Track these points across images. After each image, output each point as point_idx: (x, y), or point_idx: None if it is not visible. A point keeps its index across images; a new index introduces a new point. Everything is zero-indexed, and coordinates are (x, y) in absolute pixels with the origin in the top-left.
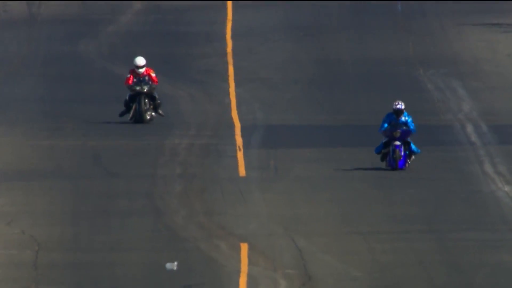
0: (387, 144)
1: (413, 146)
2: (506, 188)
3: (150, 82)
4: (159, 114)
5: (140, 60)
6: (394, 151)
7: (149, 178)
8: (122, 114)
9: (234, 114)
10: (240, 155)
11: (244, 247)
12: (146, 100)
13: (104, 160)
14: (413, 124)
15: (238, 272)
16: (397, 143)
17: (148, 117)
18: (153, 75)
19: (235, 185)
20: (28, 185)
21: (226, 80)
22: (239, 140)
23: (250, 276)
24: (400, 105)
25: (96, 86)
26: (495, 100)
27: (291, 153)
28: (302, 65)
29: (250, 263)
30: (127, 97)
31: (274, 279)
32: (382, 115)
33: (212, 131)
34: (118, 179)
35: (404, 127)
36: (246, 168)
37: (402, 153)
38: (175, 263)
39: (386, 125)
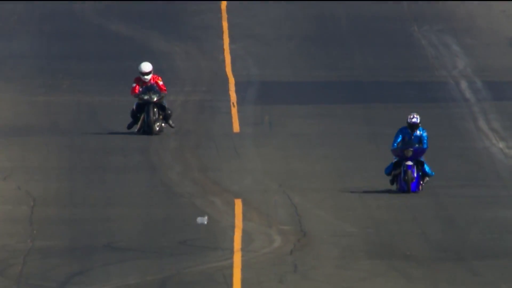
0: (397, 165)
1: (427, 168)
2: (500, 145)
3: (159, 91)
4: (169, 125)
5: (146, 66)
6: (405, 172)
7: (144, 135)
8: (130, 126)
9: (229, 70)
10: (234, 111)
11: (239, 203)
12: (155, 110)
13: (99, 117)
14: (427, 141)
15: (232, 227)
16: (409, 163)
17: (157, 128)
18: (160, 83)
19: (229, 141)
20: (24, 141)
21: (220, 36)
22: (233, 96)
23: (244, 232)
24: (416, 119)
25: (92, 42)
26: (489, 56)
27: (285, 109)
28: (296, 22)
29: (244, 218)
30: (134, 107)
31: (269, 234)
32: (377, 71)
33: (207, 87)
34: (114, 135)
35: (417, 145)
36: (241, 124)
37: (415, 175)
38: (206, 217)
39: (399, 139)
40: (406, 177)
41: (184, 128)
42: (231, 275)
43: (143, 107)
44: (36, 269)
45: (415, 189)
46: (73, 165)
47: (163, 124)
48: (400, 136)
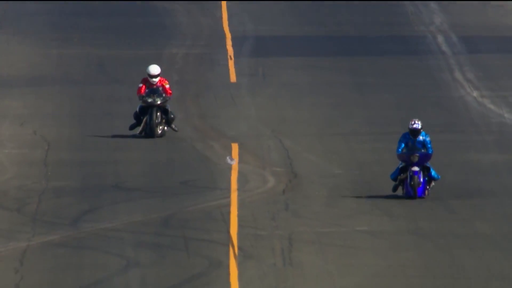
0: (403, 170)
1: (433, 172)
2: (474, 94)
3: (163, 94)
4: (172, 128)
5: (154, 69)
6: (412, 177)
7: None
8: (132, 128)
9: (226, 26)
10: (231, 63)
11: (235, 147)
12: (158, 114)
13: (108, 68)
14: (431, 145)
15: (229, 169)
16: (416, 168)
17: (159, 131)
18: (167, 86)
19: (226, 90)
20: (39, 90)
21: None
22: (230, 49)
23: (240, 173)
24: (417, 124)
25: (101, 1)
26: (464, 13)
27: (278, 62)
28: None
29: (240, 161)
30: (137, 109)
31: (263, 176)
32: (362, 27)
33: (206, 41)
34: (121, 85)
35: (423, 150)
36: (237, 75)
37: (421, 180)
38: (234, 160)
39: (403, 145)
40: (413, 183)
41: (185, 79)
42: (228, 213)
43: (146, 110)
44: (50, 207)
45: (421, 194)
46: (84, 112)
47: (165, 128)
48: (403, 142)
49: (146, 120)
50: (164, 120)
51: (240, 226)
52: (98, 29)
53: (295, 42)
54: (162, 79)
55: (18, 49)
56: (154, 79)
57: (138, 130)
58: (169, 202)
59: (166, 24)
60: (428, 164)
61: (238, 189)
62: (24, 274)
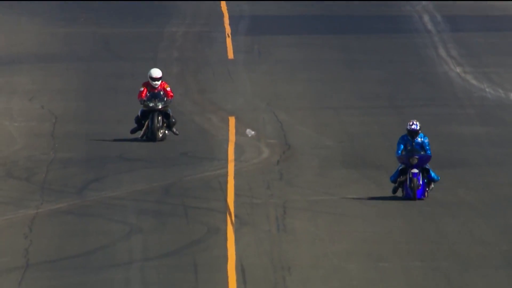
0: (403, 172)
1: (432, 174)
2: (458, 69)
3: (165, 98)
4: (173, 132)
5: (156, 72)
6: (411, 180)
7: (151, 61)
8: (133, 131)
9: (223, 5)
10: (228, 41)
11: (232, 120)
12: (160, 118)
13: (112, 45)
14: (429, 147)
15: (227, 141)
16: (415, 171)
17: (160, 135)
18: (168, 89)
19: (224, 66)
20: (47, 66)
21: None
22: (228, 28)
23: (237, 145)
24: (415, 125)
25: None
26: None
27: (272, 39)
28: None
29: (237, 133)
30: (139, 113)
31: (258, 147)
32: (351, 7)
33: (205, 20)
34: (124, 61)
35: (422, 152)
36: (234, 52)
37: (420, 182)
38: (254, 132)
39: (402, 147)
40: (412, 185)
41: (185, 56)
42: (225, 182)
43: (147, 114)
44: (57, 176)
45: (421, 196)
46: (89, 87)
47: (166, 132)
48: (402, 144)
49: (148, 124)
50: (165, 124)
51: (236, 194)
52: (102, 10)
53: (289, 21)
54: (163, 82)
55: (28, 28)
56: (156, 82)
57: (139, 134)
58: (170, 172)
59: (166, 4)
60: (428, 165)
61: (235, 160)
62: (33, 239)
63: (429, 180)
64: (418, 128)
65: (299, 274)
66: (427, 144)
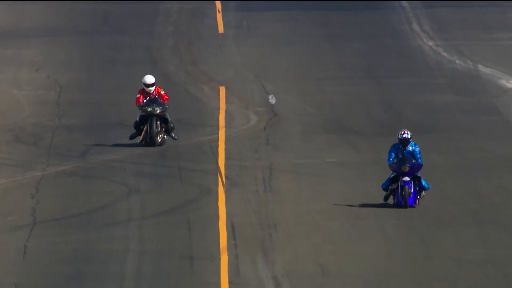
0: (394, 179)
1: (423, 182)
2: (430, 43)
3: (162, 103)
4: (172, 137)
5: (149, 78)
6: (402, 187)
7: (148, 35)
8: (132, 137)
9: None
10: (219, 16)
11: (223, 90)
12: (158, 122)
13: (112, 21)
14: (420, 156)
15: (218, 109)
16: (406, 179)
17: (159, 140)
18: (162, 93)
19: (215, 40)
20: (52, 40)
21: None
22: (218, 5)
23: (227, 112)
24: (407, 134)
25: None
26: None
27: (260, 15)
28: None
29: (227, 102)
30: (137, 119)
31: (246, 115)
32: None
33: None
34: (123, 35)
35: (413, 161)
36: (224, 27)
37: (412, 190)
38: (274, 99)
39: (393, 155)
40: (403, 192)
41: (179, 30)
42: (216, 147)
43: (146, 119)
44: (62, 141)
45: (412, 204)
46: (91, 59)
47: (165, 136)
48: (393, 153)
49: (146, 129)
50: (163, 129)
51: (227, 158)
52: None
53: None
54: (157, 87)
55: (35, 5)
56: (150, 88)
57: (138, 139)
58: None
59: None
60: (419, 173)
61: (225, 126)
62: (39, 199)
63: (420, 188)
64: (409, 137)
65: (284, 231)
66: (418, 152)
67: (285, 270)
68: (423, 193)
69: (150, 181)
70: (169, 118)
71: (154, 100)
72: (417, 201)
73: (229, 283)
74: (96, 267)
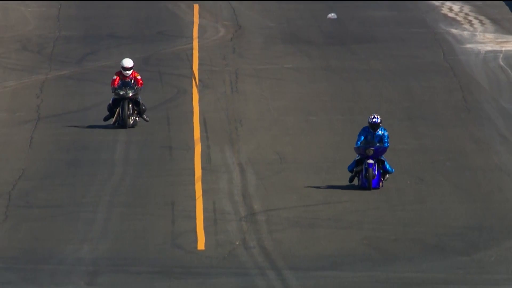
0: (359, 162)
1: (387, 165)
2: None
3: (135, 87)
4: (144, 119)
5: (128, 62)
6: (367, 170)
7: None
8: (106, 119)
9: None
10: None
11: (196, 7)
12: (130, 105)
13: None
14: (387, 140)
15: (192, 23)
16: (370, 161)
17: (131, 122)
18: (138, 77)
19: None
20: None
21: None
22: None
23: (200, 26)
24: (376, 119)
25: None
26: None
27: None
28: None
29: (200, 17)
30: (110, 102)
31: (216, 28)
32: None
33: None
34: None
35: (378, 144)
36: None
37: (376, 172)
38: (334, 16)
39: (362, 138)
40: (367, 175)
41: None
42: (191, 54)
43: (118, 102)
44: (61, 50)
45: (376, 186)
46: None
47: (137, 118)
48: (363, 136)
49: (119, 112)
50: (136, 111)
51: (200, 64)
52: None
53: None
54: (134, 71)
55: None
56: (127, 72)
57: (111, 121)
58: (148, 47)
59: None
60: (383, 157)
61: (198, 38)
62: (43, 98)
63: (384, 171)
64: (379, 121)
65: (248, 125)
66: (386, 136)
67: (248, 158)
68: (387, 176)
69: None
70: (141, 101)
71: (127, 84)
72: (380, 183)
73: (202, 168)
74: (91, 155)
